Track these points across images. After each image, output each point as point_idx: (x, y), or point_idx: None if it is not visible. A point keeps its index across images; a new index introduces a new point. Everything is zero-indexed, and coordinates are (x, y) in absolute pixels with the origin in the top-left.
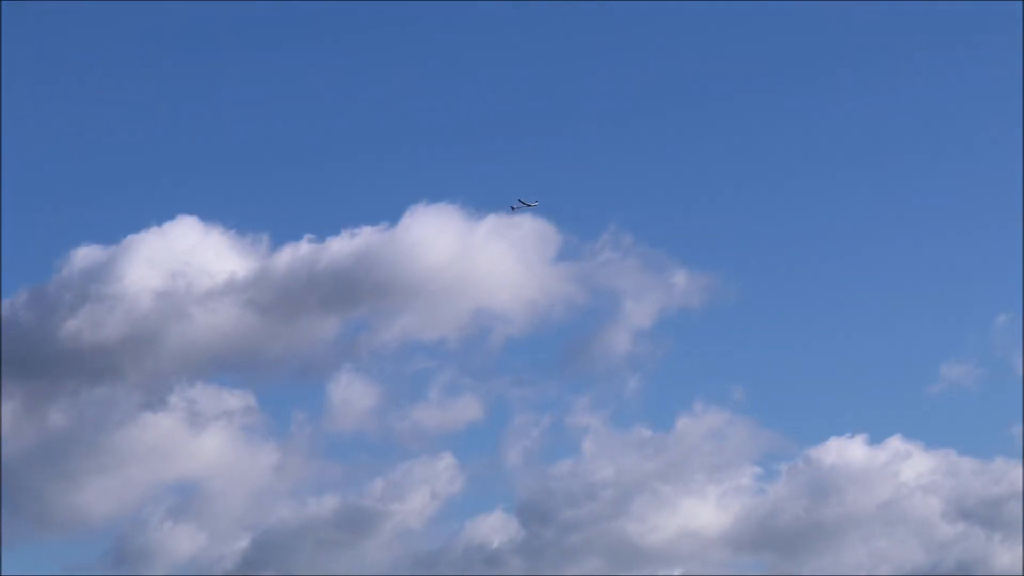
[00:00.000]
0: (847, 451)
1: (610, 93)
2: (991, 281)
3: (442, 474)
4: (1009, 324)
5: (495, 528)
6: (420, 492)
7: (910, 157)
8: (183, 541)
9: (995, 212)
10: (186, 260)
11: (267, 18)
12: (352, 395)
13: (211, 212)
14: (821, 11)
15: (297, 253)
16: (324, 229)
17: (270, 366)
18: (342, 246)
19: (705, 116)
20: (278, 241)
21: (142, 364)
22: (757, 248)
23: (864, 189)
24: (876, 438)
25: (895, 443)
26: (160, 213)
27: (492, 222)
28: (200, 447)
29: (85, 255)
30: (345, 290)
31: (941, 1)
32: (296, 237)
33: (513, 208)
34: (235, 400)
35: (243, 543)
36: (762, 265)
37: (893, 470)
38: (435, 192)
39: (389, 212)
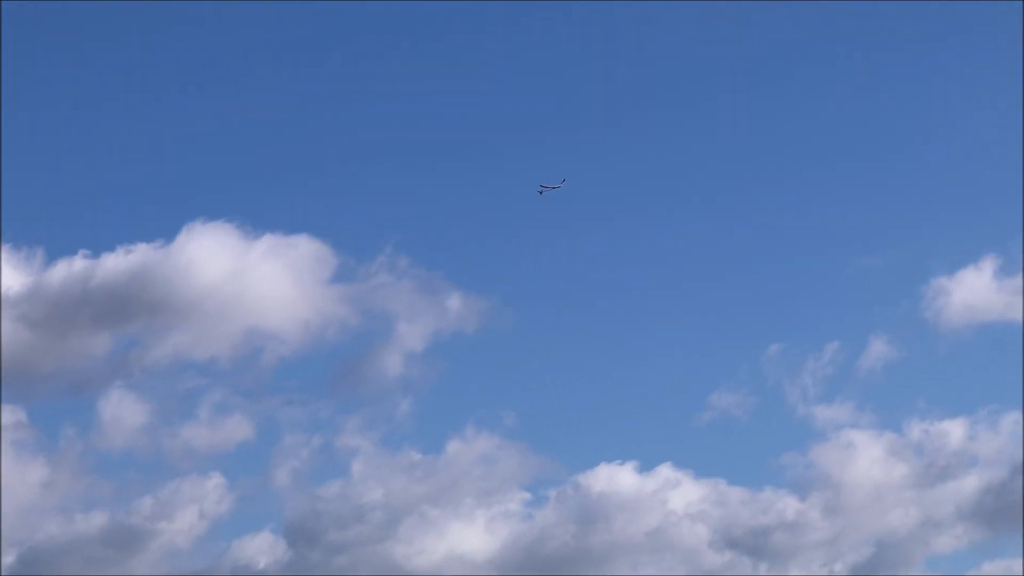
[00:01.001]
0: (616, 478)
1: (388, 117)
2: (762, 312)
3: (211, 493)
4: (780, 354)
5: (262, 549)
6: (188, 511)
7: (670, 188)
8: None
9: (765, 245)
10: None
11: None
12: (123, 412)
13: None
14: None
15: (71, 269)
16: (99, 245)
17: (41, 381)
18: (117, 263)
19: (481, 140)
20: (52, 256)
21: None
22: (532, 273)
23: (639, 216)
24: (646, 466)
25: (665, 471)
26: None
27: (268, 242)
28: None
29: None
30: (118, 307)
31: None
32: (71, 252)
33: (540, 192)
34: (6, 415)
35: (9, 558)
36: (537, 290)
37: (662, 498)
38: (212, 210)
39: (165, 230)
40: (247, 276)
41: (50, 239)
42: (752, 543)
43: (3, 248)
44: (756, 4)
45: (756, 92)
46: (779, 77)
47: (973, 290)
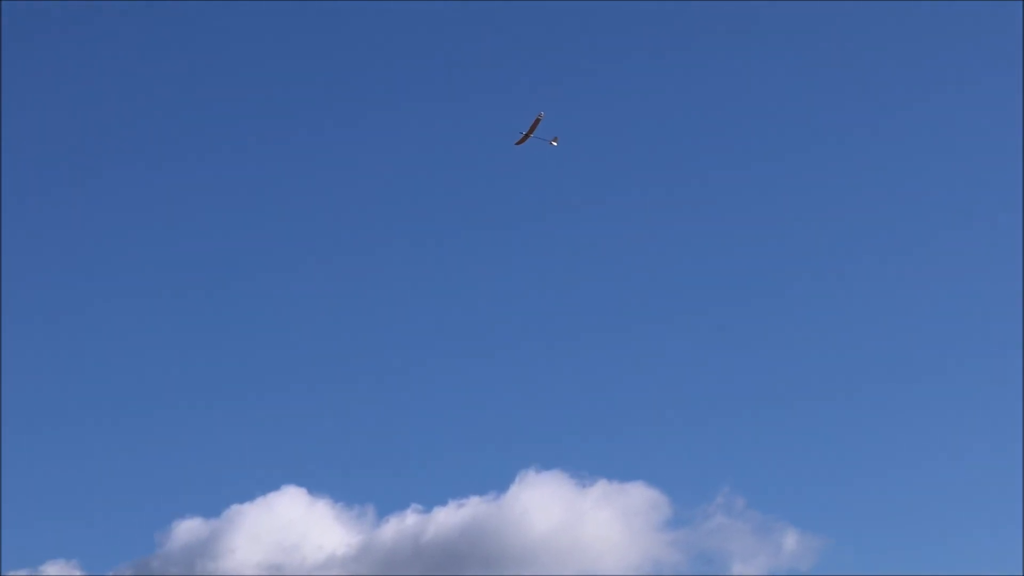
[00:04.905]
0: None
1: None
2: None
3: None
4: None
5: None
6: None
7: None
8: None
9: None
10: (292, 532)
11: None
12: None
13: (318, 483)
14: None
15: (402, 524)
16: (430, 500)
17: None
18: (449, 516)
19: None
20: (383, 512)
21: None
22: (868, 513)
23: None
24: None
25: None
26: (265, 483)
27: (602, 489)
28: None
29: (188, 528)
30: (451, 561)
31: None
32: (402, 508)
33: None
34: None
35: None
36: (873, 530)
37: None
38: (545, 459)
39: (497, 481)
40: (580, 525)
41: (381, 495)
42: None
43: (334, 507)
44: None
45: None
46: None
47: None
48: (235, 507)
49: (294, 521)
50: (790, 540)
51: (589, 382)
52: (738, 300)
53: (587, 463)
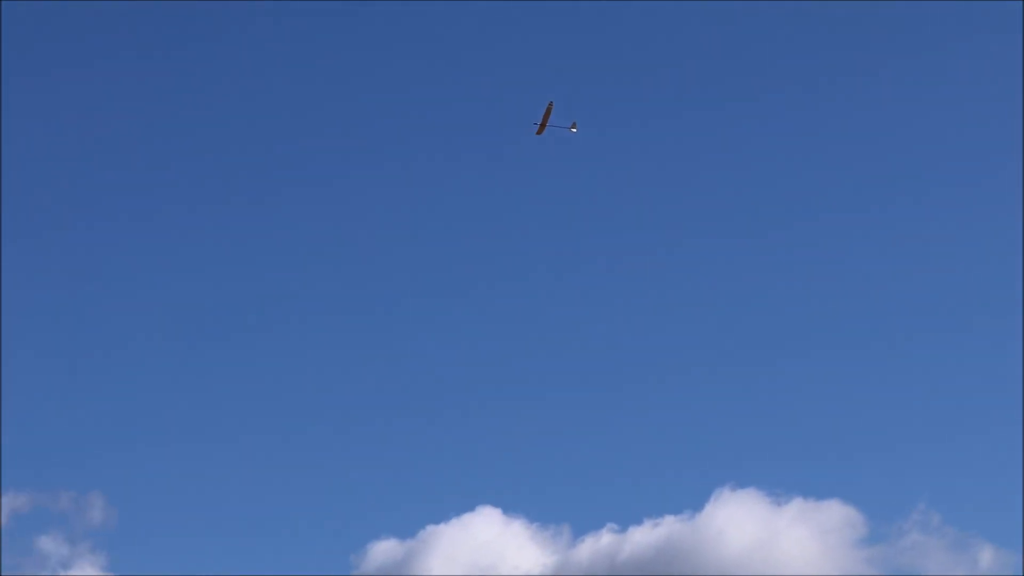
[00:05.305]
0: None
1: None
2: None
3: None
4: None
5: None
6: None
7: None
8: None
9: None
10: (488, 553)
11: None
12: None
13: (513, 503)
14: None
15: (598, 544)
16: (626, 519)
17: None
18: (644, 536)
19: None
20: (579, 532)
21: None
22: None
23: None
24: None
25: None
26: (460, 504)
27: (798, 507)
28: None
29: (383, 550)
30: None
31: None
32: (597, 527)
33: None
34: None
35: None
36: None
37: None
38: (740, 478)
39: (693, 500)
40: (776, 543)
41: (576, 515)
42: None
43: (529, 527)
44: None
45: None
46: None
47: None
48: (430, 528)
49: (489, 542)
50: (986, 556)
51: (784, 400)
52: (929, 320)
53: (782, 481)
